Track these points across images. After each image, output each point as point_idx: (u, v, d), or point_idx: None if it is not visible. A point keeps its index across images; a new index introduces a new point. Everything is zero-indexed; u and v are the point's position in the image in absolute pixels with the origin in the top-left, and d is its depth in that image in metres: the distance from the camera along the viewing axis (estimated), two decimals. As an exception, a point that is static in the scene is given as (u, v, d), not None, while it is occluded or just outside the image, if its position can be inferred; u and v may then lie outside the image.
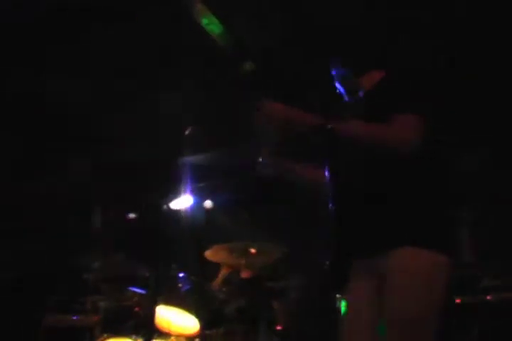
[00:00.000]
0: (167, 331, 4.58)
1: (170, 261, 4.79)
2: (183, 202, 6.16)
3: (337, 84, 2.67)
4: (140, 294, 4.72)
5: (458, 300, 4.62)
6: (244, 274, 4.72)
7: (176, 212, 6.07)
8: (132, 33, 4.66)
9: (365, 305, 2.44)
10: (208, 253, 4.63)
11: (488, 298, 4.55)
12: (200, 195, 6.40)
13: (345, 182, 2.50)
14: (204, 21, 4.37)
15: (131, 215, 6.18)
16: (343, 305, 2.77)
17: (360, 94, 2.60)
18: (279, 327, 4.62)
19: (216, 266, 4.80)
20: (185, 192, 6.01)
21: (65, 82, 5.10)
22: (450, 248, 2.35)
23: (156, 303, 4.52)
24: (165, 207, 5.91)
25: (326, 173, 2.62)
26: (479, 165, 5.42)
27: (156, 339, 4.54)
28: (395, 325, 2.26)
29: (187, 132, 4.49)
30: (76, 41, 4.75)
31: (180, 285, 4.67)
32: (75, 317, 5.17)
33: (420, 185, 2.38)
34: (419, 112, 2.32)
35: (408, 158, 2.31)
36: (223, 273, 4.79)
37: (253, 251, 4.55)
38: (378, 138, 2.33)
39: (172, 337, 4.54)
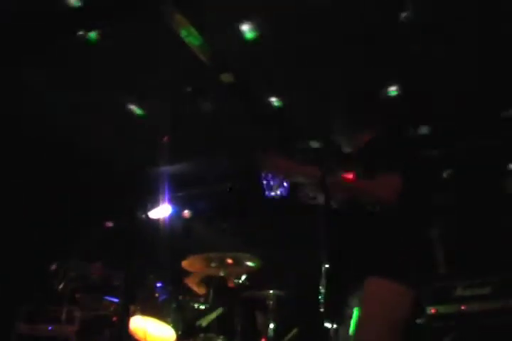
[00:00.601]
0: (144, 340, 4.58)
1: (147, 270, 4.78)
2: (161, 211, 6.17)
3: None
4: (117, 303, 4.70)
5: (433, 310, 4.68)
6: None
7: (154, 221, 6.08)
8: (112, 43, 4.66)
9: None
10: (185, 263, 4.63)
11: (463, 307, 4.61)
12: (178, 204, 6.42)
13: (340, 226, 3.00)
14: (183, 33, 4.39)
15: (109, 224, 6.16)
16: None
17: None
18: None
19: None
20: (163, 201, 6.02)
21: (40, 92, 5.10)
22: (410, 280, 2.82)
23: (130, 313, 4.56)
24: (143, 216, 5.93)
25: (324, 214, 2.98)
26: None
27: (132, 349, 4.55)
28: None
29: (164, 140, 4.54)
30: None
31: (157, 295, 4.66)
32: (49, 328, 5.14)
33: (390, 231, 2.89)
34: (398, 171, 2.81)
35: (389, 207, 2.81)
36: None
37: (230, 261, 4.54)
38: (363, 192, 2.87)
39: (149, 348, 4.54)
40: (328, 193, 2.77)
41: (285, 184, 2.99)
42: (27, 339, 5.18)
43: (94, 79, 4.95)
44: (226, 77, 4.88)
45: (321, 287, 3.06)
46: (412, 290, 2.82)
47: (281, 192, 2.96)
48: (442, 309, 4.67)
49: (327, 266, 2.93)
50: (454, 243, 5.32)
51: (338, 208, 3.02)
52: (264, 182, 2.99)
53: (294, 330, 4.91)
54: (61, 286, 5.05)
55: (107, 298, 4.74)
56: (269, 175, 2.99)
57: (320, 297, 3.11)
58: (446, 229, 5.36)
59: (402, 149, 3.05)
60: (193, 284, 4.94)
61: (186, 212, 6.53)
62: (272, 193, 2.98)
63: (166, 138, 4.62)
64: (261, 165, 2.98)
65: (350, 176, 2.96)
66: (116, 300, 4.69)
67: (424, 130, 5.35)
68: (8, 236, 5.70)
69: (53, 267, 5.17)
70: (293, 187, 3.06)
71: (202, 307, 4.67)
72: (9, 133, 5.38)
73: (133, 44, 4.56)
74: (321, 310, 3.06)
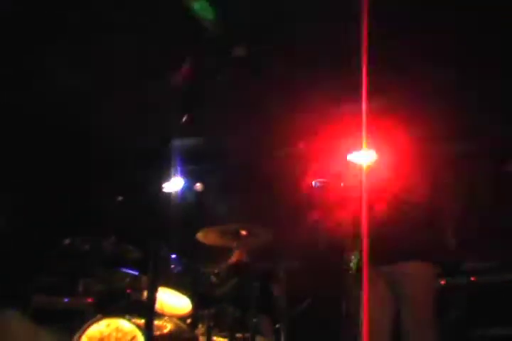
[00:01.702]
0: (160, 311, 4.66)
1: (162, 242, 4.84)
2: (174, 184, 6.22)
3: None
4: (132, 275, 4.78)
5: (443, 282, 4.75)
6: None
7: (168, 195, 6.14)
8: (119, 20, 4.66)
9: (384, 301, 3.57)
10: (200, 235, 4.69)
11: (473, 279, 4.67)
12: (191, 178, 6.47)
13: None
14: (196, 6, 4.38)
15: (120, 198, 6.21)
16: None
17: None
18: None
19: (207, 248, 4.85)
20: (176, 175, 6.07)
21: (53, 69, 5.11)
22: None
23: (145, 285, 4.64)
24: (156, 189, 5.99)
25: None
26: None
27: (149, 319, 4.63)
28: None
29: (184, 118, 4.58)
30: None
31: (172, 266, 4.74)
32: (66, 300, 5.23)
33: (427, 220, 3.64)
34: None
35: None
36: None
37: (244, 233, 4.61)
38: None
39: (165, 317, 4.63)
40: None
41: None
42: (44, 312, 5.25)
43: (105, 55, 4.95)
44: (239, 51, 4.88)
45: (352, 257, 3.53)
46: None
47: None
48: (452, 280, 4.75)
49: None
50: (465, 215, 5.37)
51: None
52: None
53: (307, 301, 4.98)
54: (76, 259, 5.16)
55: (122, 270, 4.83)
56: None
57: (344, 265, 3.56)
58: (456, 200, 5.40)
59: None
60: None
61: (198, 186, 6.58)
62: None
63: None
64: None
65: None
66: (131, 272, 4.77)
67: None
68: (27, 211, 5.78)
69: (67, 241, 5.26)
70: None
71: (217, 278, 4.74)
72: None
73: (145, 20, 4.55)
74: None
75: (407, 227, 3.56)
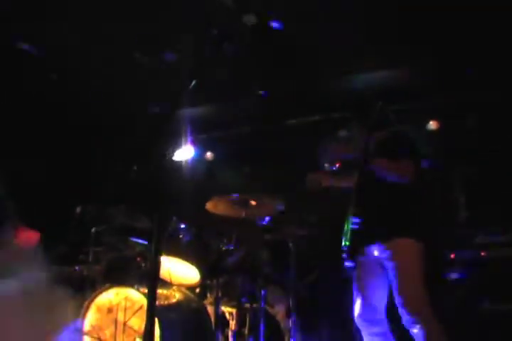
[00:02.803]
0: (168, 281, 4.68)
1: (171, 212, 4.83)
2: (184, 153, 6.19)
3: None
4: (142, 244, 4.79)
5: (453, 255, 4.73)
6: None
7: (177, 163, 6.11)
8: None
9: (375, 278, 3.79)
10: (209, 205, 4.65)
11: (483, 254, 4.64)
12: (201, 146, 6.44)
13: (367, 194, 3.83)
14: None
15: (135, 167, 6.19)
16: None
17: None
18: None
19: (215, 217, 4.82)
20: (186, 143, 6.03)
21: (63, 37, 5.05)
22: (425, 239, 3.72)
23: (158, 253, 4.64)
24: (166, 158, 5.96)
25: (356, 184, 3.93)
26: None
27: (158, 288, 4.64)
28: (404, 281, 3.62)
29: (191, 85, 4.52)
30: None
31: (181, 236, 4.74)
32: (77, 268, 5.24)
33: (410, 200, 3.84)
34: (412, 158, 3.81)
35: (406, 186, 3.77)
36: None
37: (253, 202, 4.57)
38: (392, 171, 3.78)
39: (173, 287, 4.65)
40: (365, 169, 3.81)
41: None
42: (55, 281, 5.29)
43: (115, 23, 4.88)
44: (249, 19, 4.78)
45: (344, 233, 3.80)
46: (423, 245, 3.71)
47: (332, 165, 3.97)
48: (462, 254, 4.72)
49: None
50: (476, 187, 5.32)
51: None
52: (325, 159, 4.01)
53: (316, 272, 4.99)
54: (86, 228, 5.16)
55: (132, 239, 4.83)
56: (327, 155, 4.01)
57: (342, 240, 3.78)
58: (468, 174, 5.35)
59: (412, 143, 4.00)
60: None
61: (209, 154, 6.57)
62: (327, 164, 3.97)
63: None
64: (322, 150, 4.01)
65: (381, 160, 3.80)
66: (141, 241, 4.78)
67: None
68: (40, 180, 5.77)
69: (78, 210, 5.26)
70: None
71: (225, 248, 4.74)
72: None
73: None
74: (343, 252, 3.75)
75: (392, 208, 3.78)
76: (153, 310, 2.45)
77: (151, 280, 2.50)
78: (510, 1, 4.55)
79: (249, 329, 4.51)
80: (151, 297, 2.49)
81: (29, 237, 5.09)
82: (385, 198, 3.82)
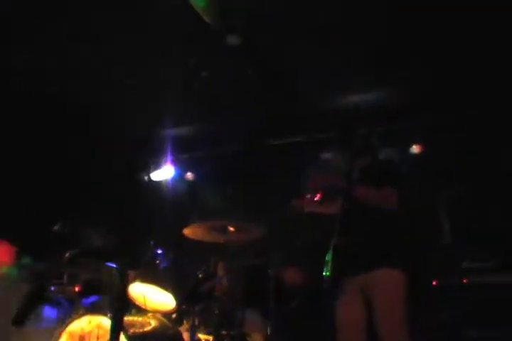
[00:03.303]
0: (144, 307, 4.58)
1: (148, 236, 4.74)
2: (164, 173, 6.11)
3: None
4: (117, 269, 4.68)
5: (435, 282, 4.68)
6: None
7: (157, 184, 6.03)
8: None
9: (355, 311, 3.73)
10: (187, 231, 4.57)
11: (465, 281, 4.60)
12: (181, 166, 6.35)
13: (350, 222, 3.72)
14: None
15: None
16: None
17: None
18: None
19: (194, 243, 4.74)
20: (166, 163, 5.96)
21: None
22: (408, 269, 3.68)
23: (130, 279, 4.55)
24: (146, 178, 5.88)
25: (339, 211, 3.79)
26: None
27: (133, 315, 4.55)
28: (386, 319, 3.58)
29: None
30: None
31: (157, 261, 4.64)
32: (52, 288, 5.12)
33: (394, 228, 3.81)
34: (396, 185, 3.78)
35: (389, 213, 3.74)
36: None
37: (232, 229, 4.49)
38: (376, 198, 3.74)
39: (149, 314, 4.54)
40: (349, 197, 3.75)
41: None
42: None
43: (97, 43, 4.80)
44: (232, 39, 4.72)
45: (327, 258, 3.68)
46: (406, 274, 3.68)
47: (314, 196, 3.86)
48: (444, 281, 4.68)
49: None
50: (461, 214, 5.28)
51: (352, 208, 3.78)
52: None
53: (297, 300, 4.90)
54: (63, 248, 5.05)
55: (108, 264, 4.72)
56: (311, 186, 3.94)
57: (324, 269, 3.66)
58: (453, 199, 5.32)
59: (395, 169, 4.05)
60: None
61: (189, 175, 6.48)
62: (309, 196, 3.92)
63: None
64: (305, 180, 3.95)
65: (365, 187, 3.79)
66: (116, 266, 4.67)
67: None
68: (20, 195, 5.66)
69: (56, 228, 5.14)
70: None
71: (203, 274, 4.65)
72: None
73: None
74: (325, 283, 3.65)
75: (376, 236, 3.77)
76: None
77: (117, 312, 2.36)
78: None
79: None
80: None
81: (3, 251, 5.00)
82: (367, 227, 3.79)
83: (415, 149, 5.66)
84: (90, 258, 4.87)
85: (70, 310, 4.63)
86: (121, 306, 2.38)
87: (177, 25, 4.49)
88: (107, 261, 4.74)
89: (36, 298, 2.26)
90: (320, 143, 5.60)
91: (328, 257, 3.70)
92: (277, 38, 4.80)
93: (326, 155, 4.49)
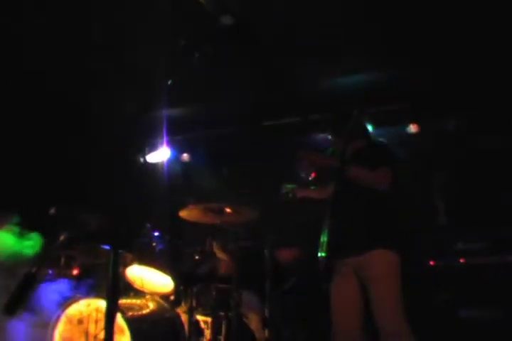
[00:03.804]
0: (141, 290, 4.60)
1: (144, 219, 4.74)
2: (160, 155, 6.08)
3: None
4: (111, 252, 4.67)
5: (432, 263, 4.69)
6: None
7: (153, 166, 6.01)
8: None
9: (350, 293, 3.74)
10: (183, 213, 4.56)
11: (462, 261, 4.61)
12: (177, 148, 6.33)
13: (343, 204, 3.75)
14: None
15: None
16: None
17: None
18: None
19: (190, 225, 4.73)
20: (162, 145, 5.92)
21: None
22: (402, 249, 3.69)
23: (128, 262, 4.56)
24: (141, 160, 5.86)
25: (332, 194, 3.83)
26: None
27: (131, 298, 4.57)
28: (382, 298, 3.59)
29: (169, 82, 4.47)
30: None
31: (154, 244, 4.64)
32: (50, 271, 5.12)
33: (387, 210, 3.80)
34: (389, 166, 3.76)
35: (383, 193, 3.73)
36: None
37: (228, 210, 4.48)
38: (369, 178, 3.74)
39: (147, 296, 4.56)
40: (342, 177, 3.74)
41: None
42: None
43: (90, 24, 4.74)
44: (227, 20, 4.67)
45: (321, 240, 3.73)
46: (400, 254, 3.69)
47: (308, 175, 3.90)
48: (441, 261, 4.69)
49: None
50: (456, 194, 5.28)
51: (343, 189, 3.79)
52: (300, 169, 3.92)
53: (293, 279, 4.92)
54: (58, 232, 5.04)
55: (105, 246, 4.73)
56: (303, 165, 3.91)
57: (319, 251, 3.72)
58: (449, 180, 5.32)
59: (388, 151, 3.98)
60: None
61: (185, 156, 6.46)
62: (303, 175, 3.91)
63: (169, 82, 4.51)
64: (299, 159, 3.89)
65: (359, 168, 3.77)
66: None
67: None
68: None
69: (52, 211, 5.13)
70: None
71: (199, 256, 4.66)
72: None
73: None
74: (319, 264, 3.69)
75: (369, 217, 3.76)
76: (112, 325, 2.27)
77: (110, 293, 2.32)
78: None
79: (225, 338, 4.46)
80: (110, 310, 2.30)
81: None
82: (361, 208, 3.78)
83: (412, 129, 5.64)
84: (86, 241, 4.87)
85: (69, 293, 4.63)
86: (115, 289, 2.33)
87: (170, 4, 4.43)
88: (103, 244, 4.76)
89: (28, 286, 2.24)
90: (314, 124, 5.57)
91: (323, 239, 3.74)
92: (270, 19, 4.75)
93: (320, 137, 4.47)
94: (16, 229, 4.90)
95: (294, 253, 4.94)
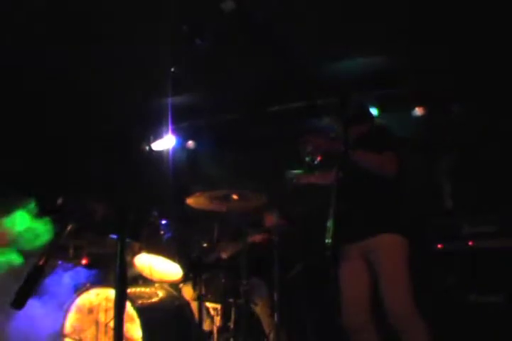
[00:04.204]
0: (150, 278, 4.62)
1: (152, 207, 4.74)
2: (165, 142, 6.07)
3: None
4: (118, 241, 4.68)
5: (440, 246, 4.68)
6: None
7: (158, 153, 6.00)
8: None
9: (359, 275, 3.76)
10: (190, 200, 4.55)
11: (470, 243, 4.60)
12: (182, 135, 6.30)
13: (350, 189, 3.57)
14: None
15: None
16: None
17: None
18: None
19: (197, 213, 4.73)
20: (167, 132, 5.91)
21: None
22: (410, 233, 3.71)
23: (136, 251, 4.57)
24: (147, 148, 5.85)
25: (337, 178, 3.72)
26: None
27: (140, 286, 4.59)
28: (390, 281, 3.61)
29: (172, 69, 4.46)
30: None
31: (162, 232, 4.65)
32: (59, 262, 5.14)
33: (394, 195, 3.80)
34: (394, 150, 3.74)
35: (389, 177, 3.70)
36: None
37: (235, 197, 4.48)
38: (375, 163, 3.72)
39: (156, 284, 4.58)
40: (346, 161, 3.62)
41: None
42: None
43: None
44: (227, 5, 4.63)
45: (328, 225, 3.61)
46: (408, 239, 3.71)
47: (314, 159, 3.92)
48: (449, 245, 4.68)
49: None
50: (463, 178, 5.26)
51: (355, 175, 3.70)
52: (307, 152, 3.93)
53: (299, 265, 4.92)
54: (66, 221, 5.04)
55: (113, 236, 4.74)
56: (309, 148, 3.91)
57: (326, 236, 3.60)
58: (455, 163, 5.29)
59: (393, 135, 3.96)
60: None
61: (190, 143, 6.44)
62: (308, 159, 3.91)
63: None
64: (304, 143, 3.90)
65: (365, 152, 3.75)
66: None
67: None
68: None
69: (59, 201, 5.14)
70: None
71: (207, 244, 4.67)
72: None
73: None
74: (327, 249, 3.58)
75: (376, 202, 3.77)
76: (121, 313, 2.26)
77: (119, 281, 2.30)
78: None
79: (235, 324, 4.48)
80: (120, 298, 2.29)
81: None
82: (368, 193, 3.78)
83: (418, 112, 5.59)
84: (93, 230, 4.88)
85: (79, 283, 4.66)
86: (122, 278, 2.32)
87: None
88: (110, 234, 4.77)
89: (36, 278, 2.24)
90: (318, 109, 5.53)
91: (329, 224, 3.74)
92: (272, 3, 4.70)
93: (324, 121, 4.44)
94: (33, 210, 4.89)
95: (266, 237, 4.92)
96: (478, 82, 5.22)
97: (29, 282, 2.23)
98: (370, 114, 4.23)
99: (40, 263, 2.55)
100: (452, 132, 5.35)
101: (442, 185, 5.27)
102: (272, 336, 4.49)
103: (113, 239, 4.71)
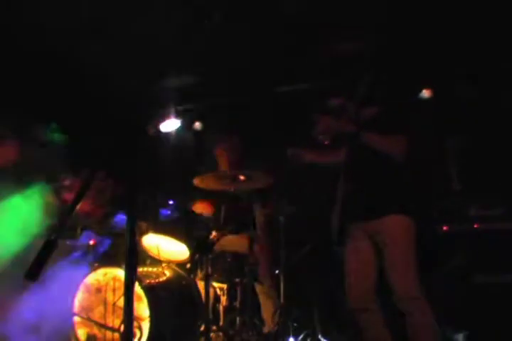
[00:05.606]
0: (157, 258, 4.64)
1: (158, 188, 4.76)
2: (171, 124, 6.07)
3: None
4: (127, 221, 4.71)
5: (445, 228, 4.69)
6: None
7: (165, 135, 6.01)
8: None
9: (365, 255, 3.71)
10: (197, 181, 4.56)
11: (476, 226, 4.61)
12: (188, 117, 6.29)
13: (358, 169, 3.76)
14: None
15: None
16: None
17: None
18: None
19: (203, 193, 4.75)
20: (173, 114, 5.91)
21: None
22: (416, 215, 3.67)
23: (143, 231, 4.60)
24: (153, 130, 5.86)
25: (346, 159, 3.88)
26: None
27: (148, 266, 4.62)
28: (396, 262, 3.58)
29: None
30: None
31: (169, 212, 4.67)
32: (68, 242, 5.17)
33: (402, 176, 3.75)
34: (404, 132, 3.71)
35: (398, 158, 3.69)
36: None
37: (242, 177, 4.48)
38: (384, 145, 3.68)
39: (163, 264, 4.61)
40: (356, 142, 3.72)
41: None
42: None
43: None
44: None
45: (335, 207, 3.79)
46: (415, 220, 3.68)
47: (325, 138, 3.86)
48: (455, 227, 4.69)
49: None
50: (470, 160, 5.25)
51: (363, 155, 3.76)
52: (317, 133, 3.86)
53: (306, 247, 4.94)
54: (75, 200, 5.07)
55: (120, 216, 4.77)
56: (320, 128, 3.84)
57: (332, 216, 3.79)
58: (462, 145, 5.28)
59: (403, 116, 3.88)
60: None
61: (197, 124, 6.44)
62: (320, 138, 3.85)
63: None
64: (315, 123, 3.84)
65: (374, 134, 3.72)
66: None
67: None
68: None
69: (67, 182, 5.16)
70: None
71: (213, 224, 4.69)
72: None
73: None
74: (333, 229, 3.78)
75: (384, 183, 3.74)
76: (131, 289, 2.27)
77: (129, 258, 2.31)
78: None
79: (241, 304, 4.52)
80: (129, 276, 2.30)
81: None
82: (375, 174, 3.75)
83: (425, 94, 5.57)
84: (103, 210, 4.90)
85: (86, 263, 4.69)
86: (132, 257, 2.33)
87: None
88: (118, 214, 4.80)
89: (49, 252, 2.25)
90: (327, 90, 5.51)
91: (337, 203, 3.77)
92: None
93: (334, 103, 4.42)
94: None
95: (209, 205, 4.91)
96: (486, 63, 5.21)
97: (42, 255, 2.24)
98: (380, 93, 4.21)
99: (52, 237, 2.56)
100: (459, 113, 5.33)
101: (450, 167, 5.26)
102: (276, 316, 4.54)
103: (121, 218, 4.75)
